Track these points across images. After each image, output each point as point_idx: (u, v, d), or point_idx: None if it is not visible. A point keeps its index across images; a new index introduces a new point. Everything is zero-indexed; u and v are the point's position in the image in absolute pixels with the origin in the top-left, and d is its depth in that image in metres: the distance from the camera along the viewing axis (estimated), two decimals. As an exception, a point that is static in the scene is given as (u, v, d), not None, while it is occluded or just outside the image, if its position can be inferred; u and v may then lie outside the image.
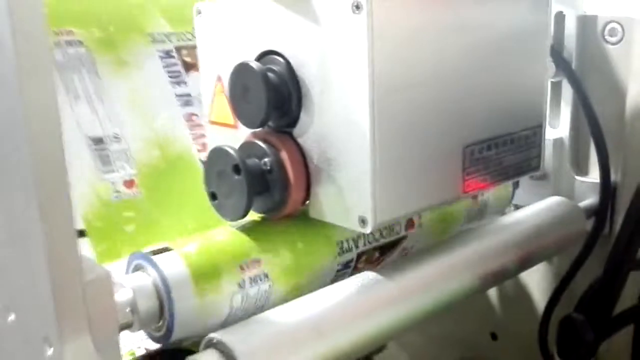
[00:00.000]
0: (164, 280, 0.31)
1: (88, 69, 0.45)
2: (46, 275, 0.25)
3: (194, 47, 0.46)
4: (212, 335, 0.29)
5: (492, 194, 0.50)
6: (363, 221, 0.33)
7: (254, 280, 0.34)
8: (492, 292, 0.64)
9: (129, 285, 0.31)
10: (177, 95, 0.50)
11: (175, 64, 0.51)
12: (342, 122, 0.33)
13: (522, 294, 0.61)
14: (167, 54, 0.51)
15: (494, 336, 0.64)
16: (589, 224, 0.51)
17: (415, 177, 0.34)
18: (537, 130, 0.42)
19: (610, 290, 0.41)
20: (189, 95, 0.51)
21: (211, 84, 0.41)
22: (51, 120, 0.25)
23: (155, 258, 0.32)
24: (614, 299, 0.41)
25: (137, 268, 0.32)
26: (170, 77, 0.50)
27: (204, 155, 0.47)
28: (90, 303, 0.26)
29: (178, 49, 0.51)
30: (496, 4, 0.38)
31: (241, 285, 0.33)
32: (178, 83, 0.50)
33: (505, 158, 0.40)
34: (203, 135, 0.48)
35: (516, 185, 0.53)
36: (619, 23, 0.50)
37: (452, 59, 0.35)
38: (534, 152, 0.43)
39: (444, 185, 0.36)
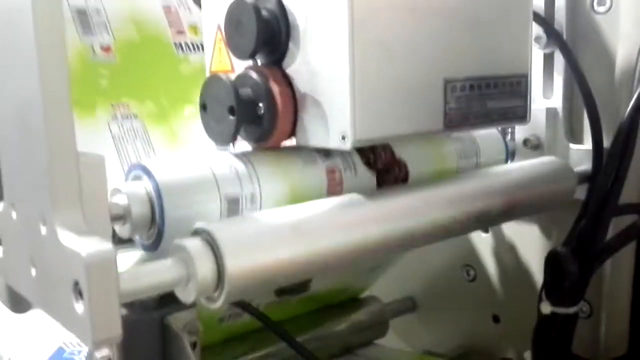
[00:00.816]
0: (157, 188, 0.34)
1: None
2: (44, 156, 0.28)
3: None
4: (198, 224, 0.32)
5: (486, 160, 0.52)
6: (343, 137, 0.35)
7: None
8: (494, 275, 0.65)
9: (125, 190, 0.34)
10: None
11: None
12: (325, 50, 0.36)
13: (525, 273, 0.61)
14: None
15: (496, 319, 0.65)
16: (582, 191, 0.52)
17: (393, 102, 0.37)
18: (522, 80, 0.45)
19: (594, 232, 0.42)
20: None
21: (212, 34, 0.44)
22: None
23: (152, 169, 0.35)
24: (599, 242, 0.43)
25: (135, 178, 0.35)
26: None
27: (180, 39, 0.51)
28: (84, 183, 0.29)
29: None
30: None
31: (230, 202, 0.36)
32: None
33: (489, 101, 0.42)
34: (178, 24, 0.52)
35: (512, 155, 0.55)
36: (607, -5, 0.53)
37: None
38: (519, 101, 0.45)
39: (424, 115, 0.39)
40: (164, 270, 0.29)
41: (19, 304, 0.59)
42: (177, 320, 0.40)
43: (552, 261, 0.43)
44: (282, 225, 0.33)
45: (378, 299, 0.69)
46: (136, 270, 0.29)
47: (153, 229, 0.34)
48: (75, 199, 0.29)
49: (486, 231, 0.64)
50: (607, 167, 0.44)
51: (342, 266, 0.36)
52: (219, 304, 0.31)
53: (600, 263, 0.44)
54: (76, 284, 0.27)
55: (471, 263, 0.66)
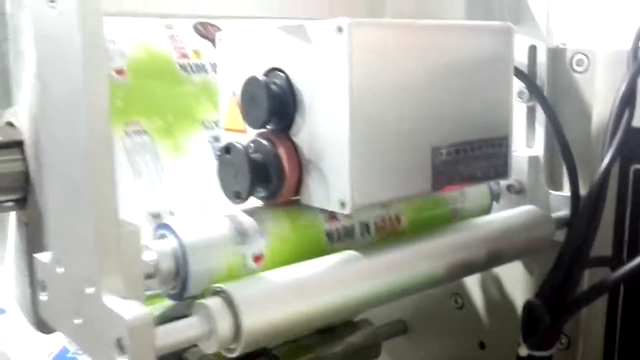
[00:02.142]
0: (182, 246, 0.40)
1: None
2: (92, 231, 0.35)
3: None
4: (216, 285, 0.38)
5: (471, 205, 0.58)
6: (343, 204, 0.42)
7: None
8: (480, 304, 0.71)
9: (154, 248, 0.40)
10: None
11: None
12: (328, 123, 0.43)
13: (509, 304, 0.68)
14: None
15: (482, 345, 0.71)
16: (561, 235, 0.59)
17: (387, 170, 0.44)
18: (503, 142, 0.51)
19: (566, 285, 0.49)
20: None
21: (227, 98, 0.51)
22: (102, 114, 0.35)
23: (177, 229, 0.41)
24: (571, 294, 0.49)
25: (161, 236, 0.42)
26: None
27: (184, 61, 0.58)
28: (123, 248, 0.36)
29: None
30: (462, 32, 0.48)
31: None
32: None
33: (473, 162, 0.49)
34: (182, 47, 0.59)
35: (496, 199, 0.62)
36: (584, 54, 0.59)
37: (420, 75, 0.44)
38: (501, 161, 0.51)
39: (415, 180, 0.45)
40: (190, 327, 0.36)
41: (45, 325, 0.65)
42: (194, 354, 0.47)
43: (527, 311, 0.50)
44: (288, 286, 0.40)
45: (371, 322, 0.76)
46: (167, 328, 0.35)
47: (177, 281, 0.41)
48: (118, 267, 0.35)
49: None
50: (579, 224, 0.51)
51: (341, 316, 0.43)
52: (236, 354, 0.37)
53: (570, 315, 0.50)
54: (119, 340, 0.33)
55: (459, 292, 0.73)
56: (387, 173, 0.44)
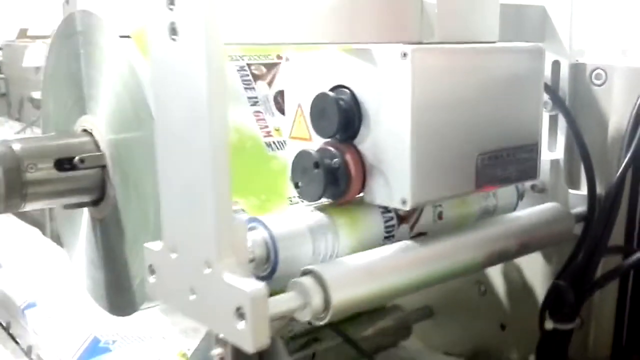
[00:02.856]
0: (272, 236, 0.50)
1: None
2: (212, 222, 0.44)
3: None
4: (307, 267, 0.47)
5: (501, 202, 0.67)
6: (404, 202, 0.51)
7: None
8: (502, 290, 0.81)
9: (250, 238, 0.49)
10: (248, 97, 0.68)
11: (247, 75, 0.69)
12: (391, 134, 0.52)
13: (528, 289, 0.77)
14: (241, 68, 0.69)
15: (502, 327, 0.81)
16: (579, 227, 0.68)
17: (441, 173, 0.53)
18: (533, 148, 0.60)
19: (586, 269, 0.58)
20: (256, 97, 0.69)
21: (293, 110, 0.60)
22: (222, 124, 0.43)
23: (266, 222, 0.50)
24: (591, 277, 0.59)
25: (252, 228, 0.51)
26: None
27: (269, 140, 0.66)
28: (235, 238, 0.45)
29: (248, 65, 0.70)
30: (501, 54, 0.57)
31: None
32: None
33: (508, 166, 0.58)
34: (266, 126, 0.67)
35: (521, 197, 0.71)
36: (603, 69, 0.68)
37: (468, 91, 0.54)
38: (531, 164, 0.61)
39: (462, 181, 0.55)
40: (290, 301, 0.45)
41: (118, 309, 0.74)
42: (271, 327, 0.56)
43: (553, 291, 0.59)
44: (363, 267, 0.49)
45: (400, 308, 0.85)
46: (272, 300, 0.44)
47: (268, 265, 0.50)
48: (231, 251, 0.44)
49: (497, 254, 0.80)
50: (599, 218, 0.60)
51: (402, 294, 0.52)
52: (324, 322, 0.47)
53: (590, 294, 0.60)
54: (238, 309, 0.42)
55: (482, 280, 0.82)
56: (440, 176, 0.53)
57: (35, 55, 3.35)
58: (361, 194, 0.55)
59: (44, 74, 0.83)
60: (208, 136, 0.43)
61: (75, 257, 0.82)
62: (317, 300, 0.46)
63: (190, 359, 0.66)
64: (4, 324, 1.73)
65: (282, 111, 0.66)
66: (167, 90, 0.47)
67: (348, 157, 0.54)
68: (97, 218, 0.75)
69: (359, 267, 0.49)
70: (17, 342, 1.63)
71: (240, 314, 0.42)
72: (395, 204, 0.52)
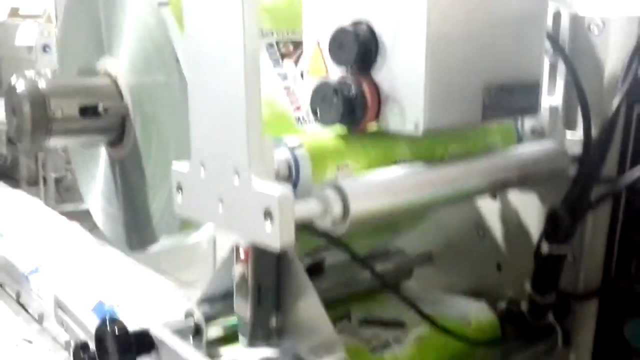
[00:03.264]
0: (294, 156, 0.53)
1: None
2: (243, 131, 0.47)
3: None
4: (330, 181, 0.51)
5: (501, 141, 0.71)
6: (417, 126, 0.55)
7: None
8: (499, 233, 0.85)
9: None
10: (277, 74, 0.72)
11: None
12: (406, 63, 0.55)
13: (524, 232, 0.81)
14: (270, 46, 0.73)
15: (499, 267, 0.85)
16: (573, 169, 0.72)
17: (451, 102, 0.56)
18: (536, 85, 0.64)
19: (581, 195, 0.63)
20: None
21: (311, 46, 0.63)
22: (254, 35, 0.47)
23: (289, 142, 0.54)
24: (585, 203, 0.63)
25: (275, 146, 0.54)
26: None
27: (298, 114, 0.69)
28: (262, 149, 0.48)
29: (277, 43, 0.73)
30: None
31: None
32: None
33: (513, 99, 0.62)
34: (296, 101, 0.70)
35: (520, 140, 0.75)
36: (601, 21, 0.72)
37: (479, 25, 0.57)
38: (534, 99, 0.65)
39: (470, 111, 0.58)
40: (312, 207, 0.49)
41: (137, 245, 0.78)
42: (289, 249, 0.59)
43: (551, 216, 0.64)
44: (380, 182, 0.53)
45: (403, 251, 0.89)
46: (297, 205, 0.48)
47: (289, 184, 0.54)
48: (259, 158, 0.48)
49: (495, 198, 0.84)
50: (594, 150, 0.64)
51: (414, 211, 0.56)
52: (342, 229, 0.50)
53: (584, 216, 0.64)
54: (267, 212, 0.46)
55: (481, 224, 0.86)
56: (450, 104, 0.56)
57: (28, 35, 3.36)
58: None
59: (63, 17, 0.85)
60: (241, 47, 0.46)
61: (92, 199, 0.85)
62: (337, 208, 0.49)
63: (209, 287, 0.70)
64: (14, 294, 1.76)
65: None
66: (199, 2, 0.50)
67: (364, 87, 0.57)
68: (116, 158, 0.78)
69: (375, 182, 0.53)
70: (27, 311, 1.67)
71: (268, 215, 0.46)
72: (407, 129, 0.56)
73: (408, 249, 0.90)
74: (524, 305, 0.76)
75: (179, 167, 0.55)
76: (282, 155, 0.54)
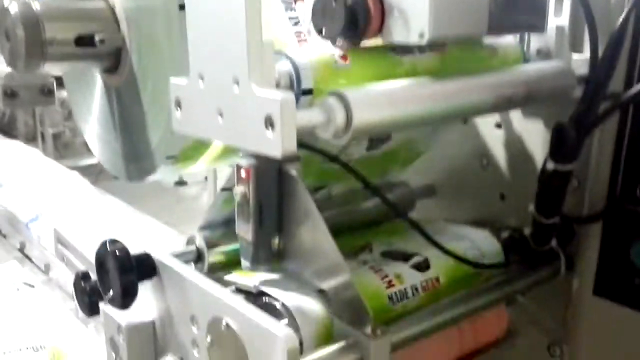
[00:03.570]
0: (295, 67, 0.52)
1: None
2: (243, 38, 0.46)
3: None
4: (332, 90, 0.50)
5: (507, 59, 0.69)
6: (421, 35, 0.53)
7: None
8: (502, 160, 0.84)
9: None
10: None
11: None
12: (410, -29, 0.53)
13: (528, 159, 0.81)
14: None
15: (502, 197, 0.84)
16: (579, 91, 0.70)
17: (456, 11, 0.55)
18: (542, 1, 0.62)
19: (588, 111, 0.61)
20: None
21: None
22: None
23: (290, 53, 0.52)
24: (592, 117, 0.62)
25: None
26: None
27: None
28: (263, 56, 0.47)
29: None
30: None
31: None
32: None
33: (519, 14, 0.60)
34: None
35: (527, 61, 0.73)
36: None
37: None
38: (540, 16, 0.63)
39: (476, 22, 0.57)
40: (314, 116, 0.48)
41: (136, 173, 0.76)
42: (291, 167, 0.58)
43: (556, 131, 0.62)
44: (383, 93, 0.51)
45: (406, 183, 0.89)
46: (299, 113, 0.47)
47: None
48: (260, 65, 0.46)
49: (499, 127, 0.83)
50: (601, 64, 0.62)
51: (417, 125, 0.54)
52: (344, 140, 0.49)
53: (590, 130, 0.63)
54: (268, 118, 0.45)
55: (485, 153, 0.85)
56: (456, 13, 0.55)
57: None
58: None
59: None
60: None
61: (89, 127, 0.84)
62: (340, 117, 0.48)
63: (210, 212, 0.70)
64: (19, 245, 1.77)
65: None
66: None
67: (367, -1, 0.55)
68: (113, 85, 0.77)
69: (379, 92, 0.52)
70: (32, 261, 1.68)
71: (269, 123, 0.45)
72: (412, 39, 0.54)
73: (410, 182, 0.89)
74: (527, 231, 0.76)
75: (178, 81, 0.53)
76: (283, 67, 0.52)
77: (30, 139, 3.54)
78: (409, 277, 0.67)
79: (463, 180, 0.89)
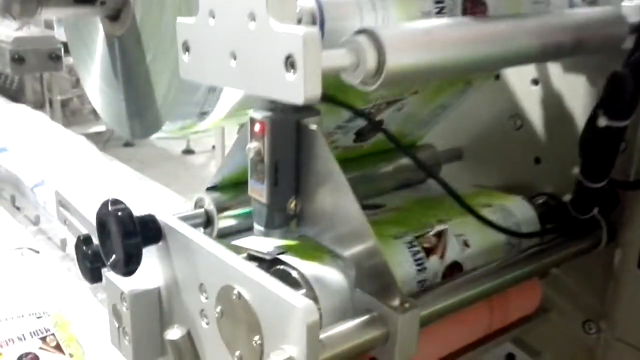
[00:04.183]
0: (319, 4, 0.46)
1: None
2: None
3: None
4: (363, 28, 0.44)
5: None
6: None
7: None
8: (538, 120, 0.78)
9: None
10: None
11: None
12: None
13: (567, 120, 0.74)
14: None
15: (537, 160, 0.78)
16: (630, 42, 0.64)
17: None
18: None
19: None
20: None
21: None
22: None
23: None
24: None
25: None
26: None
27: None
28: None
29: None
30: None
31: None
32: None
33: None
34: None
35: (572, 6, 0.66)
36: None
37: None
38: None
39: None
40: (341, 57, 0.42)
41: (141, 130, 0.71)
42: (310, 122, 0.53)
43: (612, 80, 0.56)
44: (420, 32, 0.45)
45: (432, 146, 0.83)
46: (324, 53, 0.41)
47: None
48: (279, 2, 0.40)
49: (536, 83, 0.76)
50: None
51: (456, 73, 0.48)
52: (372, 88, 0.43)
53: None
54: (289, 58, 0.39)
55: (519, 112, 0.79)
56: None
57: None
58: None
59: None
60: None
61: (91, 82, 0.78)
62: (370, 59, 0.42)
63: (220, 172, 0.64)
64: (9, 198, 1.74)
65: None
66: None
67: None
68: (115, 35, 0.71)
69: (417, 31, 0.45)
70: (31, 220, 1.65)
71: (290, 63, 0.39)
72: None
73: (436, 145, 0.83)
74: (566, 198, 0.70)
75: (185, 20, 0.47)
76: (305, 2, 0.46)
77: (39, 106, 3.52)
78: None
79: (493, 143, 0.83)
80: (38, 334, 1.01)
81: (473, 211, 0.60)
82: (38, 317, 1.09)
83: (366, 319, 0.50)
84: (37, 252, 1.43)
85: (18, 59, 2.39)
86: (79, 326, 1.07)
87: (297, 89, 0.39)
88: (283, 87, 0.39)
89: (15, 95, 3.47)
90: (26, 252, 1.42)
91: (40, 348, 0.99)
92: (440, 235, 0.62)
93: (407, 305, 0.49)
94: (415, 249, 0.60)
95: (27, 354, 0.97)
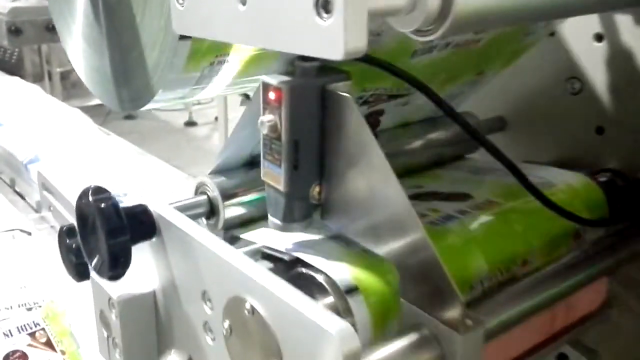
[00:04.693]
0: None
1: None
2: None
3: None
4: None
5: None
6: None
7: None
8: (602, 86, 0.66)
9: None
10: None
11: None
12: None
13: (635, 80, 0.63)
14: None
15: (599, 130, 0.67)
16: None
17: None
18: None
19: None
20: None
21: None
22: None
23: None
24: None
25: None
26: None
27: None
28: None
29: None
30: None
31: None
32: None
33: None
34: None
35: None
36: None
37: None
38: None
39: None
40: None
41: (130, 101, 0.61)
42: (339, 87, 0.42)
43: None
44: None
45: (474, 114, 0.72)
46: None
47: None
48: None
49: (600, 39, 0.65)
50: None
51: (533, 16, 0.37)
52: (433, 36, 0.32)
53: None
54: None
55: (577, 75, 0.68)
56: None
57: None
58: None
59: None
60: None
61: (72, 43, 0.67)
62: (432, -1, 0.30)
63: (225, 152, 0.54)
64: (8, 182, 1.65)
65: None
66: None
67: None
68: (97, -11, 0.60)
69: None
70: (24, 199, 1.56)
71: (323, 4, 0.28)
72: None
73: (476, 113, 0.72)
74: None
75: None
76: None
77: (38, 79, 3.44)
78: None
79: (544, 111, 0.71)
80: (26, 329, 0.92)
81: (541, 194, 0.49)
82: (28, 309, 1.00)
83: (415, 340, 0.39)
84: (29, 233, 1.34)
85: (15, 31, 2.32)
86: (74, 318, 0.98)
87: (335, 38, 0.27)
88: (314, 37, 0.28)
89: (15, 68, 3.38)
90: (18, 234, 1.33)
91: (29, 345, 0.90)
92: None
93: (469, 322, 0.38)
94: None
95: (14, 352, 0.88)
